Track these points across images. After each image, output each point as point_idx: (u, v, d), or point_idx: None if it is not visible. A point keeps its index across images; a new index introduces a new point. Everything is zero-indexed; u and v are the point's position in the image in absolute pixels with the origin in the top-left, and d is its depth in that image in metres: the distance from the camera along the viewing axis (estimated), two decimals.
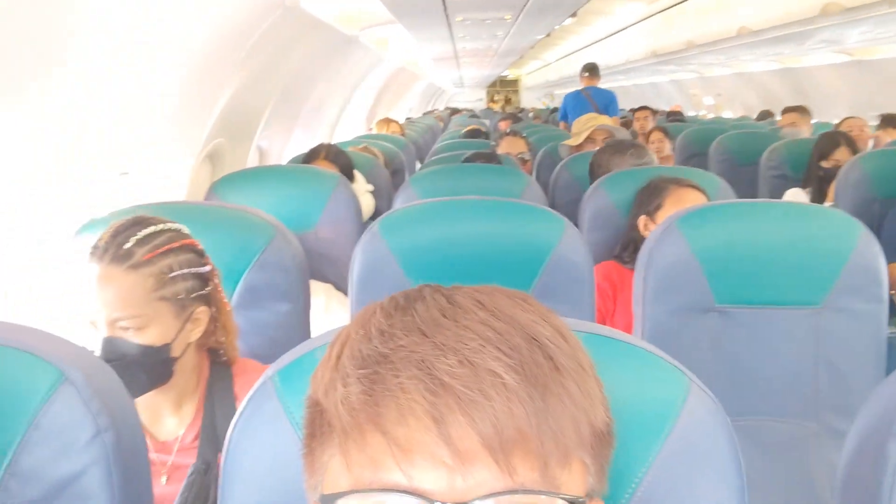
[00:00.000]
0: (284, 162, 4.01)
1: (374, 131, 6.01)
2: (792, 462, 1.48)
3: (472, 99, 25.07)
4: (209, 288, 1.31)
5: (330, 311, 2.08)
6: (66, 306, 1.51)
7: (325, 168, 2.82)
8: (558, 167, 3.22)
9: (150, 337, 1.20)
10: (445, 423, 0.50)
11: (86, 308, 1.19)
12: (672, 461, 0.69)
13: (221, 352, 1.35)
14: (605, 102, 6.07)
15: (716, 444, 0.70)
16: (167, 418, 1.29)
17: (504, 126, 6.93)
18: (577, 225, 2.40)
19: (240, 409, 0.74)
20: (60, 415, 0.75)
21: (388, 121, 5.96)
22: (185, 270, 1.25)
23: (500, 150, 4.02)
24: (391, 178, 3.70)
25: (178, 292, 1.24)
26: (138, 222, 1.25)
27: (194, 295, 1.27)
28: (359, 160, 3.38)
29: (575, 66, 7.59)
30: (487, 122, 9.54)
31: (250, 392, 0.74)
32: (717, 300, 1.49)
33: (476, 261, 1.49)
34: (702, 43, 6.43)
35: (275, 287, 1.59)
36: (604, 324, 2.17)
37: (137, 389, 1.20)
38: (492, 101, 27.00)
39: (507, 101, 27.16)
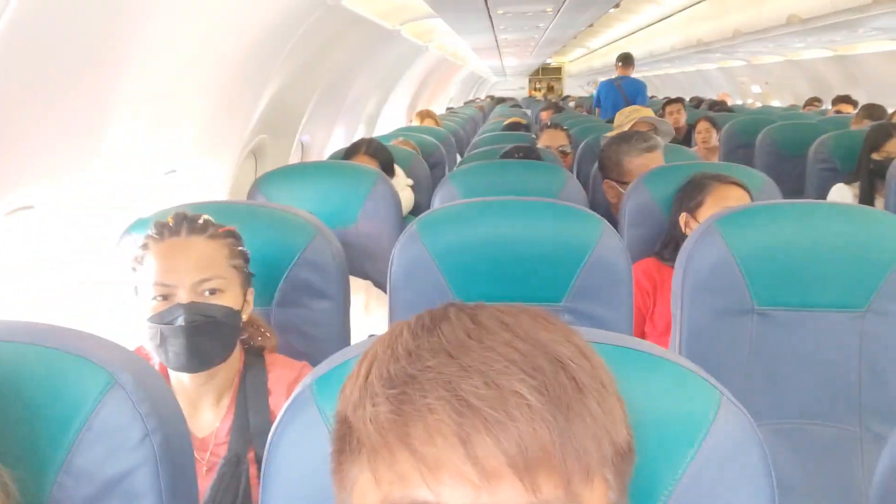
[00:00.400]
0: (326, 156, 4.06)
1: (415, 123, 6.03)
2: (833, 466, 1.46)
3: (515, 87, 24.88)
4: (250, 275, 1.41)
5: (370, 311, 2.12)
6: (114, 302, 1.57)
7: (366, 163, 2.86)
8: (596, 164, 3.20)
9: (228, 300, 1.31)
10: (472, 443, 0.52)
11: (158, 282, 1.27)
12: (702, 475, 0.70)
13: (255, 345, 1.40)
14: (633, 92, 6.34)
15: (747, 458, 0.71)
16: (206, 412, 1.34)
17: (545, 116, 6.89)
18: (617, 221, 2.41)
19: (279, 415, 0.77)
20: (111, 417, 0.79)
21: (426, 113, 5.98)
22: (242, 248, 1.38)
23: (541, 143, 4.01)
24: (431, 171, 3.72)
25: (242, 265, 1.36)
26: (187, 215, 1.35)
27: (246, 272, 1.38)
28: (399, 154, 3.40)
29: (615, 53, 7.51)
30: (529, 111, 9.49)
31: (289, 399, 0.77)
32: (758, 302, 1.47)
33: (513, 261, 1.50)
34: (749, 31, 6.28)
35: (315, 285, 1.62)
36: (643, 322, 2.17)
37: (209, 358, 1.29)
38: (534, 89, 26.78)
39: (550, 89, 26.90)
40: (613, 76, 6.79)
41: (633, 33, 10.67)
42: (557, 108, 7.98)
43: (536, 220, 1.55)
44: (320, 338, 1.63)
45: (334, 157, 3.57)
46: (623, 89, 6.34)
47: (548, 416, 0.53)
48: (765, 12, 5.85)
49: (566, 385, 0.55)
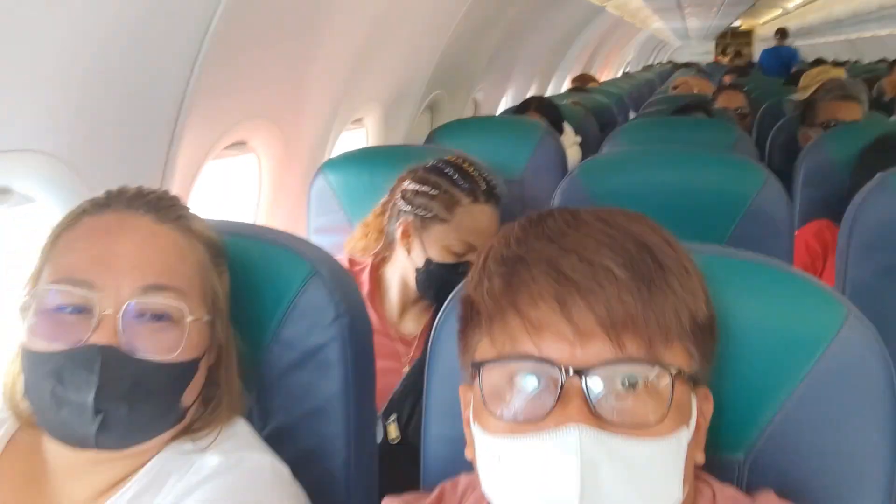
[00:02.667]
0: (497, 114, 4.19)
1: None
2: None
3: (699, 52, 23.49)
4: None
5: None
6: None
7: (535, 119, 2.96)
8: (779, 123, 3.08)
9: None
10: (567, 306, 0.63)
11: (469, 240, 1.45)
12: (821, 386, 0.75)
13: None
14: (789, 56, 7.94)
15: (870, 375, 0.74)
16: (417, 314, 1.53)
17: (728, 80, 6.58)
18: (791, 181, 2.33)
19: (440, 313, 0.90)
20: (312, 300, 0.97)
21: (587, 78, 5.97)
22: None
23: (718, 105, 3.88)
24: (600, 131, 3.73)
25: None
26: None
27: None
28: (569, 113, 3.46)
29: (816, 14, 7.07)
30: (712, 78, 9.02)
31: (448, 299, 0.90)
32: None
33: (672, 209, 1.51)
34: None
35: None
36: None
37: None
38: (722, 53, 25.19)
39: (738, 54, 25.17)
40: (813, 40, 7.20)
41: None
42: (742, 71, 7.57)
43: (697, 168, 1.58)
44: None
45: (505, 114, 3.69)
46: (782, 55, 7.69)
47: (633, 286, 0.63)
48: None
49: (650, 264, 0.65)
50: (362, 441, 1.00)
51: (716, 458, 0.79)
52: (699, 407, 0.69)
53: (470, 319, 0.71)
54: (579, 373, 0.63)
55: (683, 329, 0.66)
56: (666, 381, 0.64)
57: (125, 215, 0.85)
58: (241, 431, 0.90)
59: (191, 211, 0.92)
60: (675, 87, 5.32)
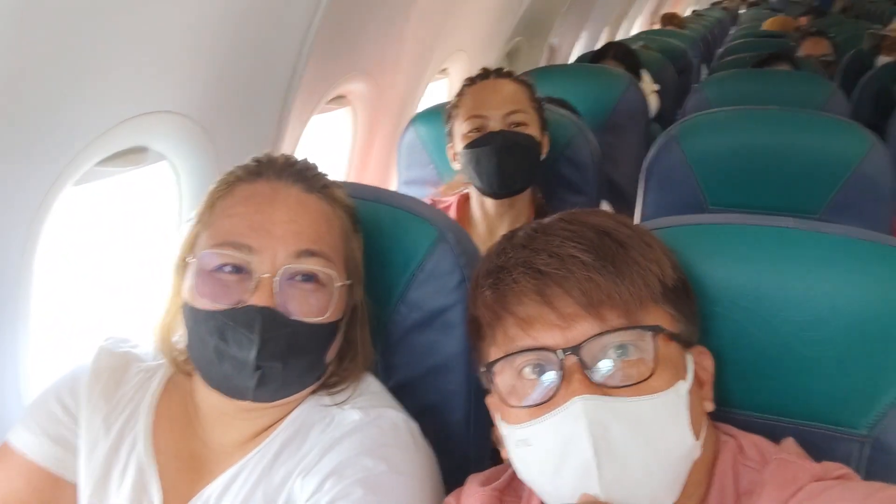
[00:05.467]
0: (572, 60, 4.11)
1: (659, 27, 5.81)
2: None
3: None
4: None
5: None
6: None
7: (613, 67, 2.90)
8: (868, 74, 2.97)
9: (532, 132, 1.58)
10: (548, 296, 0.73)
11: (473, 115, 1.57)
12: None
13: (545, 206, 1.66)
14: None
15: None
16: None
17: (804, 22, 6.29)
18: (884, 139, 2.26)
19: None
20: (438, 264, 1.01)
21: (669, 17, 5.73)
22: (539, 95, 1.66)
23: (802, 52, 3.75)
24: (678, 77, 3.64)
25: (539, 108, 1.62)
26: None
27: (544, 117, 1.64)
28: (647, 59, 3.38)
29: None
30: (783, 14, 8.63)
31: None
32: None
33: (772, 172, 1.53)
34: None
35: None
36: None
37: (516, 181, 1.57)
38: None
39: None
40: None
41: None
42: (819, 11, 7.21)
43: (800, 131, 1.56)
44: None
45: (581, 60, 3.62)
46: None
47: (599, 265, 0.73)
48: None
49: (610, 245, 0.74)
50: (481, 397, 1.06)
51: (836, 433, 0.83)
52: (698, 362, 0.78)
53: (477, 333, 0.81)
54: (572, 351, 0.71)
55: (654, 293, 0.75)
56: (648, 340, 0.72)
57: (277, 184, 0.90)
58: (374, 388, 0.97)
59: (330, 178, 0.96)
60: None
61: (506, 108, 1.55)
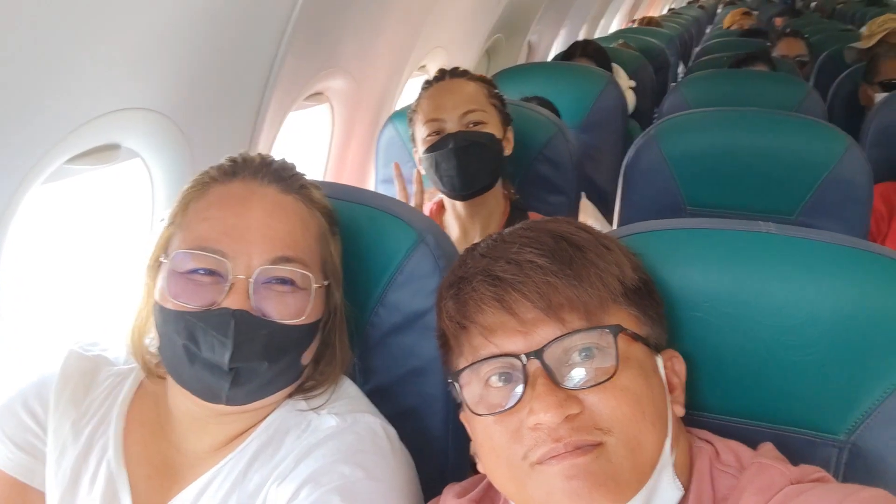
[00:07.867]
0: (550, 57, 4.11)
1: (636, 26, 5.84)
2: None
3: None
4: None
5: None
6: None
7: (585, 64, 2.90)
8: (842, 75, 3.00)
9: (491, 129, 1.56)
10: (507, 302, 0.72)
11: (430, 119, 1.55)
12: None
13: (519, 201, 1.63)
14: None
15: None
16: (476, 239, 1.59)
17: (779, 23, 6.36)
18: (857, 139, 2.29)
19: None
20: (418, 265, 1.00)
21: (648, 19, 5.78)
22: (498, 91, 1.63)
23: (777, 53, 3.78)
24: (655, 75, 3.65)
25: (499, 105, 1.60)
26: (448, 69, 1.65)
27: (505, 112, 1.62)
28: (624, 57, 3.38)
29: None
30: (756, 13, 8.72)
31: None
32: None
33: (750, 172, 1.54)
34: None
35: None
36: None
37: (478, 180, 1.54)
38: None
39: None
40: None
41: None
42: (794, 11, 7.29)
43: (778, 132, 1.56)
44: None
45: (557, 58, 3.62)
46: None
47: (556, 269, 0.72)
48: None
49: (567, 249, 0.74)
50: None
51: (815, 438, 0.83)
52: (668, 366, 0.78)
53: (445, 346, 0.80)
54: (535, 356, 0.70)
55: (614, 294, 0.74)
56: (610, 340, 0.71)
57: (253, 185, 0.88)
58: (350, 392, 0.95)
59: (308, 179, 0.94)
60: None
61: (462, 108, 1.53)
